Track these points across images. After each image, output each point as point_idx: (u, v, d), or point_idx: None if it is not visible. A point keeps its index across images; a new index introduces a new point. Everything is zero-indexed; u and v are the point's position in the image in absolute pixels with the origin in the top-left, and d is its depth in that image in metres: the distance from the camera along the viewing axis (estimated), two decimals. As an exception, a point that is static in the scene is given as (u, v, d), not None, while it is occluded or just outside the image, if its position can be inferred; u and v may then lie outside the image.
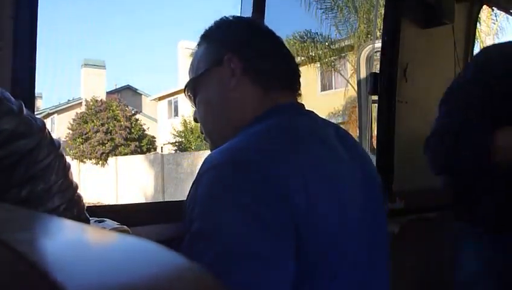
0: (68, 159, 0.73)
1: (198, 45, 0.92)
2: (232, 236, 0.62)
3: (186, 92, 0.92)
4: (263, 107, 0.82)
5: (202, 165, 0.70)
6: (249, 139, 0.73)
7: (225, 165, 0.67)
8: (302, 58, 12.47)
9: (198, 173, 0.70)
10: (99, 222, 0.87)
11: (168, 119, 20.17)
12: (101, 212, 1.04)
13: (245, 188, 0.65)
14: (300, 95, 0.88)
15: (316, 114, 0.86)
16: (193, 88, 0.89)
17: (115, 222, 0.87)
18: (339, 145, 0.80)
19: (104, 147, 17.51)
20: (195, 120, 0.94)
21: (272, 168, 0.66)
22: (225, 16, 0.91)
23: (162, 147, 19.57)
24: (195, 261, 0.65)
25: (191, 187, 0.70)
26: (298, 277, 0.65)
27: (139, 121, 18.61)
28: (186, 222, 0.68)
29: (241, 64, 0.83)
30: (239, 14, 1.51)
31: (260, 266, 0.61)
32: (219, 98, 0.86)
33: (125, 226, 0.85)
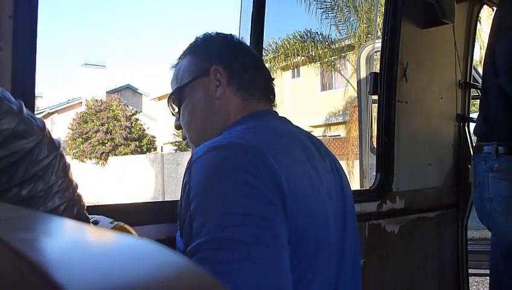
0: (68, 159, 0.73)
1: (181, 58, 1.00)
2: (231, 204, 0.67)
3: (169, 101, 0.99)
4: (243, 114, 0.91)
5: (191, 157, 0.75)
6: (233, 134, 0.82)
7: (219, 148, 0.73)
8: (302, 58, 12.47)
9: (188, 163, 0.74)
10: (93, 223, 0.87)
11: (168, 119, 20.17)
12: (101, 212, 1.04)
13: (239, 164, 0.70)
14: (275, 105, 0.99)
15: (289, 120, 0.95)
16: (178, 96, 0.97)
17: (108, 219, 0.87)
18: (311, 145, 0.88)
19: (104, 147, 17.51)
20: (177, 127, 1.01)
21: (260, 152, 0.72)
22: (208, 32, 1.00)
23: (162, 147, 19.57)
24: (197, 235, 0.66)
25: (183, 179, 0.74)
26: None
27: (139, 121, 18.61)
28: (182, 211, 0.71)
29: (227, 75, 0.92)
30: (239, 14, 1.51)
31: (259, 223, 0.66)
32: (204, 105, 0.93)
33: (120, 222, 0.85)
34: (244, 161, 0.71)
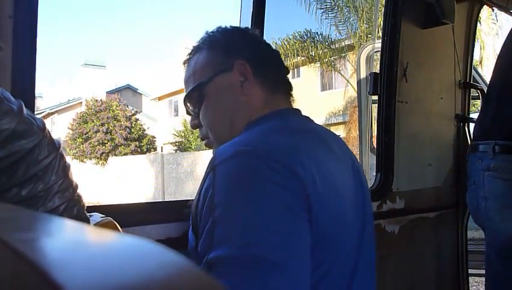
0: (68, 159, 0.73)
1: (194, 53, 0.95)
2: (258, 218, 0.66)
3: (187, 99, 0.94)
4: (268, 109, 0.88)
5: (215, 157, 0.72)
6: (257, 134, 0.80)
7: (245, 154, 0.71)
8: (302, 58, 12.47)
9: (211, 164, 0.72)
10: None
11: (168, 119, 20.18)
12: (101, 212, 1.04)
13: (266, 174, 0.69)
14: (294, 101, 0.96)
15: (311, 119, 0.93)
16: (198, 94, 0.91)
17: (100, 215, 0.87)
18: (334, 145, 0.86)
19: (104, 147, 17.52)
20: (194, 126, 0.96)
21: (287, 159, 0.71)
22: (222, 26, 0.96)
23: (162, 147, 19.57)
24: (220, 244, 0.66)
25: (205, 179, 0.72)
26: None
27: (139, 121, 18.61)
28: (203, 214, 0.70)
29: (251, 70, 0.89)
30: (239, 15, 1.51)
31: (281, 239, 0.65)
32: (231, 102, 0.90)
33: (108, 218, 0.85)
34: (271, 171, 0.69)
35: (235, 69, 0.89)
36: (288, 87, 0.96)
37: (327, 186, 0.74)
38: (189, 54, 0.97)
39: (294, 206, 0.68)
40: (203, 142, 0.98)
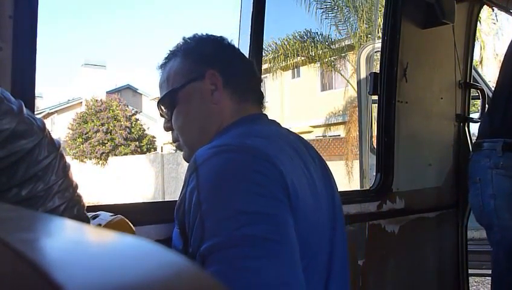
0: (68, 159, 0.73)
1: (169, 58, 0.98)
2: (246, 203, 0.68)
3: (160, 103, 0.97)
4: (237, 117, 0.92)
5: (195, 160, 0.74)
6: (232, 137, 0.83)
7: (225, 151, 0.73)
8: (302, 58, 12.47)
9: (192, 167, 0.74)
10: (94, 217, 0.87)
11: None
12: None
13: (250, 165, 0.72)
14: (264, 108, 0.99)
15: (279, 123, 0.98)
16: (171, 99, 0.95)
17: (109, 213, 0.87)
18: (302, 147, 0.90)
19: (104, 147, 17.51)
20: (167, 129, 1.01)
21: (265, 153, 0.74)
22: (198, 34, 0.99)
23: (162, 147, 19.57)
24: (212, 235, 0.67)
25: (188, 182, 0.74)
26: None
27: (139, 121, 18.61)
28: (191, 215, 0.70)
29: (223, 79, 0.92)
30: (239, 14, 1.51)
31: (275, 221, 0.68)
32: (201, 110, 0.93)
33: (120, 216, 0.85)
34: (254, 162, 0.72)
35: (207, 78, 0.92)
36: (259, 96, 0.98)
37: (302, 191, 0.76)
38: (165, 58, 1.00)
39: (278, 193, 0.70)
40: (174, 144, 1.03)
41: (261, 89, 1.01)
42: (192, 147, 0.92)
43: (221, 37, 1.00)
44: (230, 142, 0.79)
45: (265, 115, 0.97)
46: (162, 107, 0.98)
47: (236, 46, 1.04)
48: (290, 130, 0.98)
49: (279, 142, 0.84)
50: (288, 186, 0.72)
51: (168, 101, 0.96)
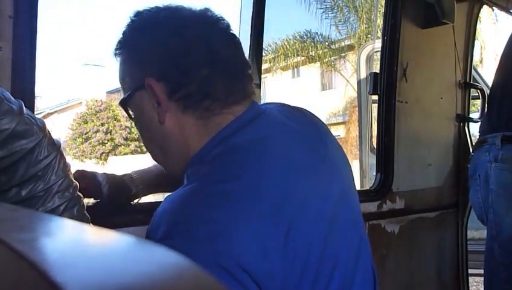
0: (68, 159, 0.73)
1: (117, 50, 0.73)
2: None
3: (121, 108, 0.75)
4: (208, 135, 0.68)
5: (151, 226, 0.60)
6: (192, 199, 0.61)
7: (177, 237, 0.57)
8: (302, 58, 12.47)
9: (151, 230, 0.60)
10: None
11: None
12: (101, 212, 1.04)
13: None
14: (253, 94, 0.73)
15: (283, 106, 0.76)
16: (125, 109, 0.73)
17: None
18: (312, 136, 0.74)
19: (104, 147, 17.51)
20: None
21: (218, 232, 0.57)
22: (149, 8, 0.71)
23: (162, 147, 19.57)
24: None
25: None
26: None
27: (139, 121, 18.60)
28: None
29: (165, 90, 0.66)
30: (239, 14, 1.51)
31: None
32: (150, 128, 0.72)
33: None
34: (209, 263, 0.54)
35: (147, 89, 0.67)
36: (235, 91, 0.69)
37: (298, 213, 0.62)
38: (116, 48, 0.73)
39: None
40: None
41: (244, 77, 0.72)
42: (166, 168, 0.78)
43: (179, 7, 0.70)
44: (185, 216, 0.59)
45: (252, 110, 0.70)
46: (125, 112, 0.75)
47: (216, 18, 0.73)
48: (296, 114, 0.77)
49: (268, 155, 0.65)
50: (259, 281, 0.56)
51: (125, 110, 0.74)
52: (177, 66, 0.66)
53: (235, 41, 0.72)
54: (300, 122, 0.76)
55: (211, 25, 0.71)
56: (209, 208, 0.59)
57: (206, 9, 0.72)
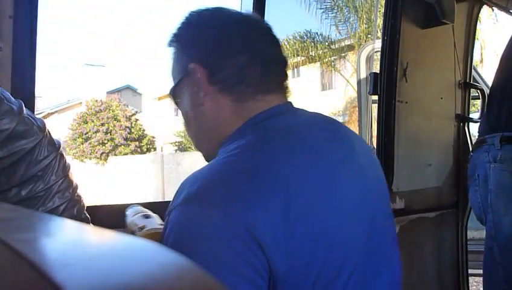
0: (68, 159, 0.73)
1: (169, 44, 0.81)
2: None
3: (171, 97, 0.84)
4: (242, 119, 0.73)
5: (175, 195, 0.65)
6: (214, 171, 0.66)
7: (188, 203, 0.62)
8: (302, 58, 12.46)
9: (171, 205, 0.65)
10: (146, 217, 0.83)
11: (168, 119, 20.18)
12: (101, 212, 1.04)
13: (217, 235, 0.59)
14: (289, 91, 0.78)
15: (305, 112, 0.78)
16: (173, 98, 0.81)
17: (160, 222, 0.83)
18: (326, 145, 0.73)
19: (104, 147, 17.51)
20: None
21: (243, 213, 0.60)
22: (195, 10, 0.80)
23: (162, 147, 19.57)
24: None
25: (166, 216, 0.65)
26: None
27: (139, 121, 18.61)
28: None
29: (206, 73, 0.73)
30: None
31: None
32: (192, 114, 0.78)
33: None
34: (224, 228, 0.59)
35: (191, 74, 0.74)
36: (271, 80, 0.75)
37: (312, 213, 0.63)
38: (171, 40, 0.81)
39: (250, 274, 0.57)
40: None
41: (279, 69, 0.78)
42: (201, 151, 0.83)
43: (219, 8, 0.79)
44: (207, 181, 0.63)
45: (283, 108, 0.75)
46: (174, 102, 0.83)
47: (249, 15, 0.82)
48: (322, 119, 0.79)
49: (292, 154, 0.67)
50: (269, 255, 0.58)
51: (173, 100, 0.82)
52: (218, 52, 0.74)
53: (273, 38, 0.79)
54: (329, 123, 0.81)
55: (252, 22, 0.81)
56: (232, 181, 0.63)
57: (250, 13, 0.84)
